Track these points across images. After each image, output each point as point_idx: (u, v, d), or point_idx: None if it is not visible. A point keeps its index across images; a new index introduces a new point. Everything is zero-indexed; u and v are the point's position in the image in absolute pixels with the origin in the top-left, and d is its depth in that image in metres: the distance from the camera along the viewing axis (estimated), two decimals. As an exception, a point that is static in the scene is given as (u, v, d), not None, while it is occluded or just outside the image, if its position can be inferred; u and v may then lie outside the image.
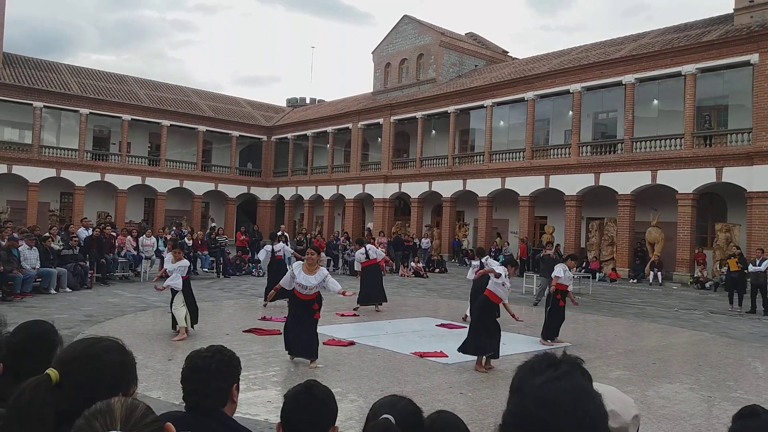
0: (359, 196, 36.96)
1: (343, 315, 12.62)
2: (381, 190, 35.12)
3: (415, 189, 33.48)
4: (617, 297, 17.53)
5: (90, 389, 1.41)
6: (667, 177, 23.21)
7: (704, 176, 22.29)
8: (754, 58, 21.16)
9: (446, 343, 9.90)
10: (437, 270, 25.46)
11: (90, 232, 17.68)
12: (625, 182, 24.38)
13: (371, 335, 10.44)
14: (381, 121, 35.80)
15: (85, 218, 23.22)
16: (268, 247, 15.05)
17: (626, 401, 1.76)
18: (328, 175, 39.48)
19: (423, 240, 30.13)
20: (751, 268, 15.33)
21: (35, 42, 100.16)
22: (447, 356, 8.81)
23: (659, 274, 22.58)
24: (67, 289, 14.83)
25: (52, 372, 1.44)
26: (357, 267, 14.52)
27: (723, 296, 17.39)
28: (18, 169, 32.97)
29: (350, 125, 37.88)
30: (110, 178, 36.10)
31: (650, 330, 12.36)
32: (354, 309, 13.12)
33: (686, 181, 22.61)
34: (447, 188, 31.66)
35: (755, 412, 1.72)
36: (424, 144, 33.88)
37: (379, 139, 36.57)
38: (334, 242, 25.56)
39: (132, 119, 36.88)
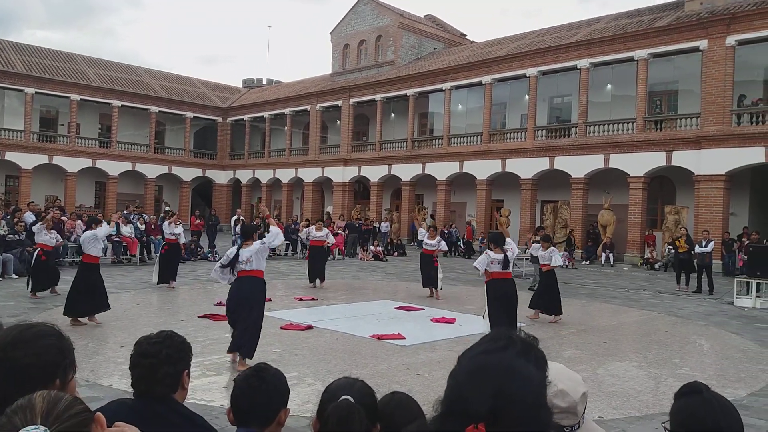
0: (318, 180, 36.71)
1: (301, 299, 12.57)
2: (340, 174, 34.95)
3: (374, 172, 33.43)
4: (570, 278, 17.94)
5: (24, 376, 1.35)
6: (619, 160, 23.77)
7: (655, 160, 22.91)
8: (703, 44, 21.75)
9: (404, 325, 9.98)
10: (396, 253, 25.56)
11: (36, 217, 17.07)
12: (578, 166, 24.88)
13: (329, 319, 10.42)
14: (340, 103, 35.53)
15: (32, 202, 22.39)
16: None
17: (574, 378, 1.75)
18: (286, 158, 39.03)
19: (382, 224, 30.20)
20: (697, 249, 15.86)
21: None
22: (405, 338, 8.88)
23: (611, 255, 23.20)
24: (14, 276, 14.32)
25: None
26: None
27: (671, 277, 17.99)
28: (-41, 151, 31.57)
29: (308, 107, 37.47)
30: (59, 160, 34.85)
31: (602, 310, 12.71)
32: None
33: (637, 164, 23.21)
34: (406, 172, 31.72)
35: (697, 389, 1.66)
36: (384, 127, 33.80)
37: (338, 122, 36.31)
38: (293, 226, 25.35)
39: (81, 99, 35.63)
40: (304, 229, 16.86)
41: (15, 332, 1.49)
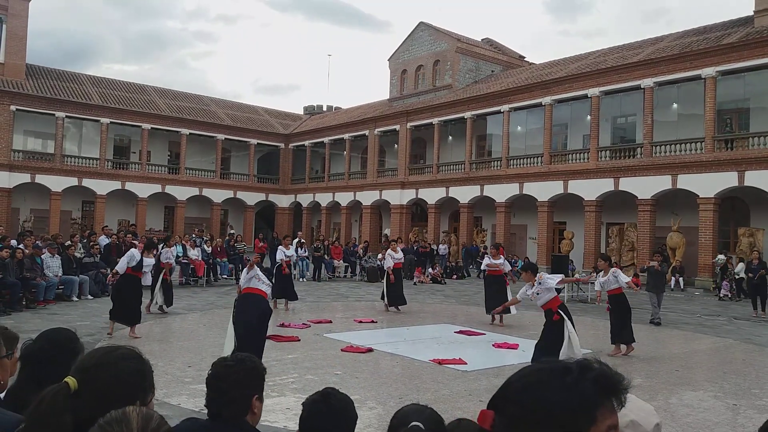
0: (376, 203, 36.98)
1: (361, 322, 12.61)
2: (398, 197, 35.10)
3: (432, 195, 33.41)
4: (639, 303, 17.24)
5: (108, 397, 1.42)
6: (687, 181, 22.90)
7: (726, 180, 21.95)
8: (776, 60, 20.84)
9: (465, 350, 9.84)
10: (455, 276, 25.33)
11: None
12: (645, 187, 24.10)
13: (389, 342, 10.40)
14: (397, 127, 35.83)
15: (106, 226, 23.53)
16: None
17: (646, 409, 1.71)
18: (345, 181, 39.58)
19: (440, 246, 30.05)
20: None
21: (61, 53, 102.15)
22: (466, 363, 8.74)
23: (681, 279, 22.25)
24: (89, 297, 15.00)
25: (70, 380, 1.45)
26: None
27: (746, 302, 17.09)
28: (41, 178, 33.53)
29: (367, 132, 37.95)
30: (131, 186, 36.56)
31: (673, 336, 12.18)
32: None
33: (707, 185, 22.28)
34: (464, 194, 31.55)
35: None
36: (441, 150, 33.83)
37: (396, 146, 36.58)
38: (352, 249, 25.58)
39: (152, 128, 37.35)
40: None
41: (99, 354, 1.57)
